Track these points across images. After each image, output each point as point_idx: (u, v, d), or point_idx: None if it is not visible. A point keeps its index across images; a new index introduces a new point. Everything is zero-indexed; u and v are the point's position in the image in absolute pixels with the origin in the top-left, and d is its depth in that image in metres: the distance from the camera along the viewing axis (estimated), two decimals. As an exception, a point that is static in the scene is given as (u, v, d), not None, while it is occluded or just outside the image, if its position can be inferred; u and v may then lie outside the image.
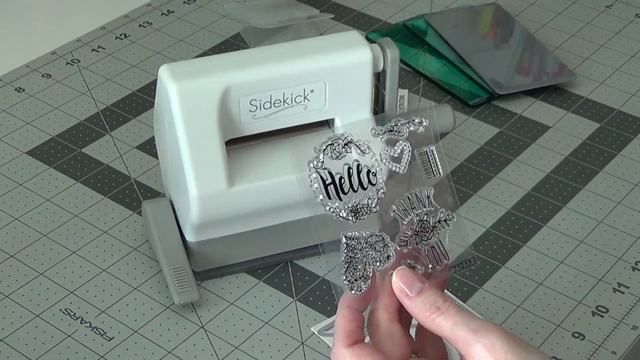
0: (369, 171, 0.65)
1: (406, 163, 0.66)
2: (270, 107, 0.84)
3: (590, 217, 0.96)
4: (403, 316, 0.66)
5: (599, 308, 0.87)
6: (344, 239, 0.65)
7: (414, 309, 0.64)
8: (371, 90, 0.86)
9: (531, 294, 0.88)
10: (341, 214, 0.65)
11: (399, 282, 0.65)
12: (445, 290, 0.87)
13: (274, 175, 0.84)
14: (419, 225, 0.66)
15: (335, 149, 0.65)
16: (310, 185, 0.64)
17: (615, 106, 1.10)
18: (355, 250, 0.65)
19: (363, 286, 0.65)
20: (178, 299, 0.85)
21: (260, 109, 0.84)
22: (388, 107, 0.89)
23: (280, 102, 0.84)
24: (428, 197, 0.67)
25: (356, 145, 0.65)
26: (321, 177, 0.64)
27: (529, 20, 1.23)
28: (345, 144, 0.65)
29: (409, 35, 1.19)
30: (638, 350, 0.84)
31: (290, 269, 0.90)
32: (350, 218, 0.65)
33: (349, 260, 0.65)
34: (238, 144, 0.86)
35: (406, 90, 1.10)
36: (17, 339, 0.84)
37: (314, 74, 0.84)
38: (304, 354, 0.83)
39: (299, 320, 0.86)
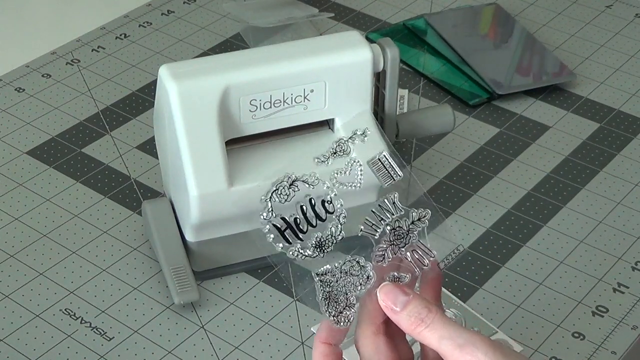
0: (323, 201, 0.63)
1: (360, 179, 0.64)
2: (270, 107, 0.84)
3: (590, 217, 0.96)
4: (392, 327, 0.65)
5: (599, 308, 0.87)
6: (316, 277, 0.63)
7: (401, 322, 0.63)
8: (371, 90, 0.86)
9: (531, 294, 0.88)
10: (306, 254, 0.63)
11: (384, 299, 0.63)
12: (446, 291, 0.87)
13: (274, 175, 0.84)
14: (393, 233, 0.64)
15: (281, 193, 0.63)
16: (267, 238, 0.63)
17: (615, 106, 1.10)
18: (331, 284, 0.63)
19: (350, 315, 0.63)
20: (178, 299, 0.85)
21: (260, 109, 0.84)
22: (388, 107, 0.89)
23: (280, 102, 0.84)
24: (393, 202, 0.64)
25: (302, 181, 0.64)
26: (275, 226, 0.63)
27: (529, 20, 1.23)
28: (291, 184, 0.64)
29: (409, 35, 1.19)
30: (638, 350, 0.84)
31: (290, 269, 0.90)
32: (317, 254, 0.63)
33: (327, 297, 0.63)
34: (238, 144, 0.86)
35: (406, 90, 1.10)
36: (17, 339, 0.84)
37: (314, 74, 0.84)
38: (304, 354, 0.83)
39: (299, 320, 0.86)
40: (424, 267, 0.65)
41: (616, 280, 0.89)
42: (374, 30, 1.21)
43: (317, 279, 0.63)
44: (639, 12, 1.25)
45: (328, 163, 0.65)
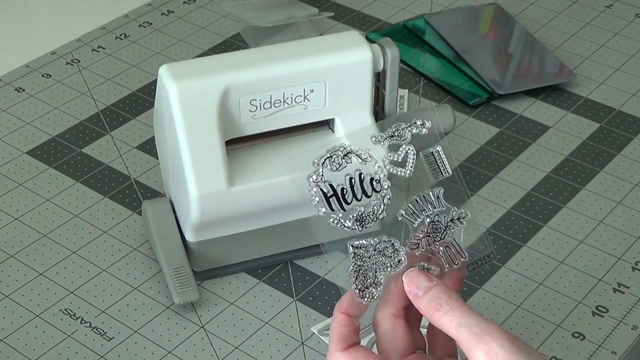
0: (372, 179, 0.65)
1: (411, 167, 0.66)
2: (270, 107, 0.84)
3: (590, 217, 0.96)
4: (411, 314, 0.67)
5: (599, 308, 0.87)
6: (351, 248, 0.65)
7: (422, 306, 0.64)
8: (371, 90, 0.86)
9: (531, 294, 0.88)
10: (346, 224, 0.64)
11: (408, 284, 0.65)
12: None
13: (274, 175, 0.84)
14: (431, 226, 0.66)
15: (334, 161, 0.65)
16: (311, 200, 0.64)
17: (615, 106, 1.10)
18: (363, 259, 0.65)
19: (375, 292, 0.65)
20: (178, 299, 0.85)
21: (260, 109, 0.84)
22: (388, 107, 0.89)
23: (280, 102, 0.84)
24: (438, 197, 0.66)
25: (356, 155, 0.65)
26: (322, 190, 0.64)
27: (529, 20, 1.23)
28: (345, 155, 0.65)
29: (409, 35, 1.19)
30: (638, 350, 0.84)
31: (290, 269, 0.90)
32: (356, 227, 0.64)
33: (357, 269, 0.65)
34: (238, 144, 0.86)
35: (406, 90, 1.10)
36: (17, 339, 0.84)
37: (314, 74, 0.84)
38: (304, 354, 0.83)
39: (299, 320, 0.86)
40: (454, 266, 0.67)
41: (616, 280, 0.89)
42: (374, 30, 1.21)
43: (352, 250, 0.65)
44: (639, 12, 1.25)
45: (383, 145, 0.66)
